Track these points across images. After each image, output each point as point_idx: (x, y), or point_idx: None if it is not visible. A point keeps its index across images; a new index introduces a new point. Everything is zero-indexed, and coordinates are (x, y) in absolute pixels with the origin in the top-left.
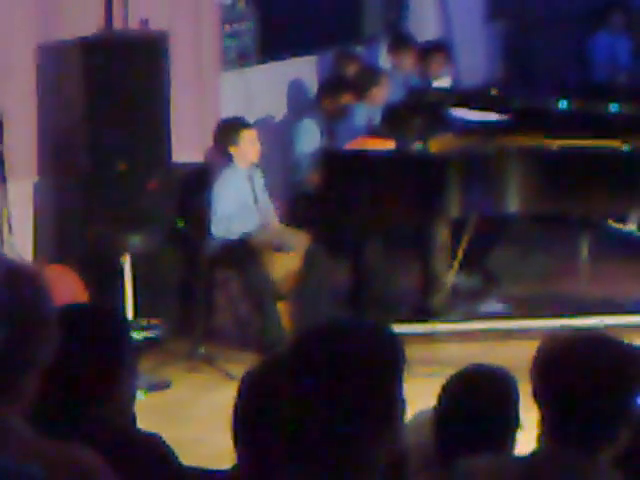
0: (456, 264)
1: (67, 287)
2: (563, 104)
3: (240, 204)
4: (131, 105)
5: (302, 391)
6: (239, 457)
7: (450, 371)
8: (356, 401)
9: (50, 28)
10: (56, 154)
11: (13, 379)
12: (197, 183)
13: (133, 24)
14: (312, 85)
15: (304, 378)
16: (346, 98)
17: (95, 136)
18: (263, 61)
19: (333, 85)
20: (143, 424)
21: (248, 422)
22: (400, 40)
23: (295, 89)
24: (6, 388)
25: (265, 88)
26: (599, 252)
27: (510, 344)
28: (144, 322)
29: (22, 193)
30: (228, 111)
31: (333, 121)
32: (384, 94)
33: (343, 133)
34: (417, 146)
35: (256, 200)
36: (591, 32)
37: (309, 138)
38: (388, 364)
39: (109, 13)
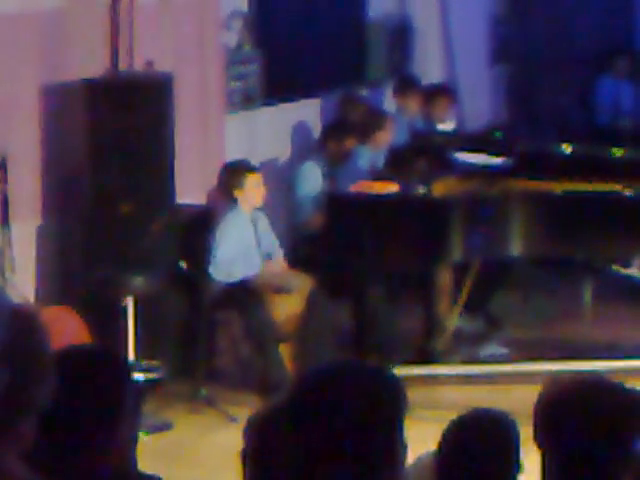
0: (458, 307)
1: (69, 328)
2: (567, 148)
3: (242, 248)
4: (135, 147)
5: (304, 435)
6: None
7: (452, 414)
8: (358, 444)
9: (55, 69)
10: (59, 195)
11: (11, 421)
12: (200, 225)
13: (138, 66)
14: (316, 128)
15: (306, 422)
16: (350, 142)
17: (98, 177)
18: (268, 103)
19: (337, 128)
20: (144, 466)
21: (255, 467)
22: (405, 83)
23: (300, 132)
24: (4, 431)
25: (270, 130)
26: (602, 296)
27: (512, 388)
28: (146, 363)
29: (25, 234)
30: (232, 153)
31: (336, 164)
32: (388, 138)
33: (345, 176)
34: (420, 189)
35: (259, 244)
36: (595, 76)
37: (311, 181)
38: (390, 407)
39: (114, 54)
